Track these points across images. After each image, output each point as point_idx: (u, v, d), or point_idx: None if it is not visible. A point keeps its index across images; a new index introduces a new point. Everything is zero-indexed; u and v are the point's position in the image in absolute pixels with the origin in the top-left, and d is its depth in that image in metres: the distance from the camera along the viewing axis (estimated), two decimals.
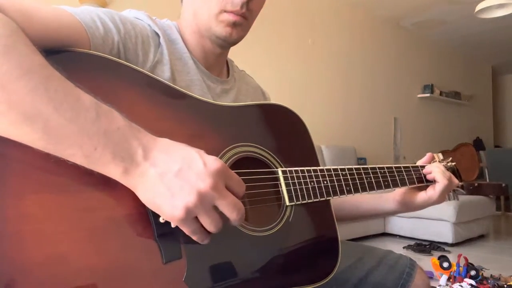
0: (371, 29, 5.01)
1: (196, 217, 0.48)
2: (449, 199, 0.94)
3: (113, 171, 0.46)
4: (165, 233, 0.51)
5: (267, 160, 0.67)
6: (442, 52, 6.24)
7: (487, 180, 5.08)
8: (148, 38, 0.68)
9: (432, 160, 0.94)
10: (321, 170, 0.71)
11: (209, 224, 0.48)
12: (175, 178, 0.46)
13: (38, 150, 0.44)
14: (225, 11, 0.70)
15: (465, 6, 4.60)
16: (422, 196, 0.86)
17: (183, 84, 0.72)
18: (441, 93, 5.98)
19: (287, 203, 0.66)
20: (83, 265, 0.45)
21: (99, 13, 0.61)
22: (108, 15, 0.62)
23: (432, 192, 0.85)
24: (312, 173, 0.70)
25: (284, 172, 0.67)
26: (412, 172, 0.86)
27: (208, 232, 0.50)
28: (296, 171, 0.68)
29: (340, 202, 0.93)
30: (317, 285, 0.64)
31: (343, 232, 3.31)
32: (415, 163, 0.91)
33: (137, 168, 0.46)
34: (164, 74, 0.69)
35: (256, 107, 0.71)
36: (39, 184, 0.45)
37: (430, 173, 0.87)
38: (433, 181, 0.86)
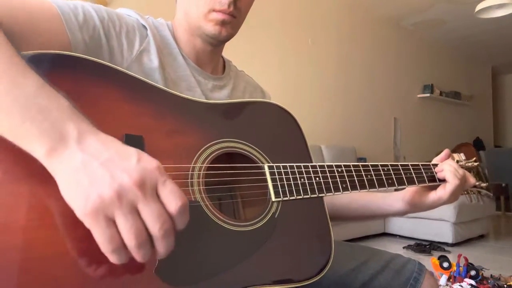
0: (371, 29, 5.00)
1: (114, 222, 0.40)
2: (471, 201, 0.89)
3: (37, 149, 0.41)
4: None
5: (253, 156, 0.65)
6: (442, 52, 6.23)
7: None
8: (134, 29, 0.70)
9: (447, 158, 0.89)
10: (313, 167, 0.68)
11: (127, 230, 0.40)
12: (99, 166, 0.40)
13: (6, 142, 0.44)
14: (213, 10, 0.71)
15: (465, 6, 4.60)
16: (431, 196, 0.81)
17: (173, 77, 0.73)
18: (441, 93, 5.97)
19: (273, 198, 0.63)
20: (50, 252, 0.45)
21: (84, 4, 0.63)
22: (94, 6, 0.65)
23: (442, 192, 0.80)
24: (303, 169, 0.67)
25: (271, 167, 0.65)
26: (423, 171, 0.82)
27: (126, 249, 0.41)
28: (285, 167, 0.66)
29: (347, 202, 0.90)
30: (298, 285, 0.62)
31: (343, 232, 3.31)
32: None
33: (64, 150, 0.41)
34: (152, 63, 0.70)
35: (244, 105, 0.70)
36: (6, 173, 0.45)
37: (441, 171, 0.82)
38: (445, 180, 0.81)
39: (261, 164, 0.65)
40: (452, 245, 3.50)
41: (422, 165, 0.83)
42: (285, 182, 0.65)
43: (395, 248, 3.39)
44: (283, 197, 0.64)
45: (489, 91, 7.60)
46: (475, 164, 0.92)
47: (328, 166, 0.70)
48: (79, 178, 0.40)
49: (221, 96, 0.82)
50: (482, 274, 2.47)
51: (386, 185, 0.76)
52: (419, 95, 5.78)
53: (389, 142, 5.24)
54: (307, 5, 4.20)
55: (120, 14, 0.69)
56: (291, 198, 0.65)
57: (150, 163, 0.43)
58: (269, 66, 3.78)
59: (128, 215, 0.40)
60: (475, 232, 3.80)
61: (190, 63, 0.77)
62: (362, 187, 0.72)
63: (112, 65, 0.58)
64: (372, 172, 0.74)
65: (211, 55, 0.81)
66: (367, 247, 0.92)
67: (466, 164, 0.91)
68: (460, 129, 6.54)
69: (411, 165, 0.81)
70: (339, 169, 0.71)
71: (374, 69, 5.03)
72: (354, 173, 0.72)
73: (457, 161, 0.91)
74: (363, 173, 0.73)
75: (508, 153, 5.66)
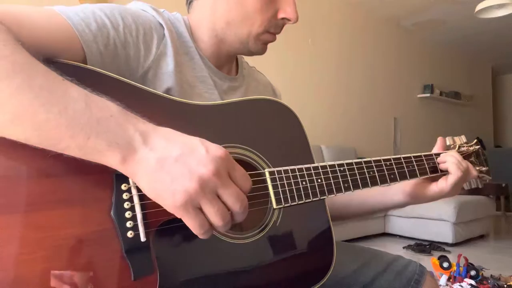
0: (372, 29, 5.00)
1: (200, 209, 0.46)
2: (471, 186, 0.88)
3: (111, 160, 0.45)
4: (134, 248, 0.49)
5: (254, 162, 0.63)
6: (442, 52, 6.23)
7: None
8: (151, 30, 0.66)
9: (444, 145, 0.87)
10: (315, 168, 0.65)
11: (214, 214, 0.46)
12: (175, 163, 0.45)
13: None
14: (267, 32, 0.73)
15: (465, 6, 4.60)
16: (433, 188, 0.80)
17: (189, 79, 0.71)
18: (441, 93, 5.97)
19: (274, 206, 0.61)
20: (46, 286, 0.44)
21: (95, 10, 0.60)
22: (106, 11, 0.61)
23: (443, 184, 0.79)
24: (305, 172, 0.64)
25: (271, 173, 0.62)
26: (425, 162, 0.79)
27: (212, 227, 0.47)
28: (286, 171, 0.63)
29: (347, 200, 0.89)
30: None
31: (343, 232, 3.31)
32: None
33: (135, 154, 0.45)
34: (168, 67, 0.67)
35: (244, 104, 0.68)
36: None
37: (444, 162, 0.80)
38: (447, 171, 0.79)
39: (261, 171, 0.63)
40: (452, 245, 3.51)
41: (424, 155, 0.81)
42: (286, 188, 0.63)
43: (395, 248, 3.39)
44: (285, 203, 0.62)
45: (489, 91, 7.59)
46: (476, 147, 0.90)
47: (330, 166, 0.67)
48: (160, 177, 0.45)
49: (234, 98, 0.80)
50: (482, 274, 2.47)
51: (389, 181, 0.74)
52: (419, 95, 5.78)
53: (389, 142, 5.24)
54: (307, 5, 4.20)
55: (135, 14, 0.65)
56: (293, 204, 0.63)
57: (217, 151, 0.47)
58: (269, 66, 3.77)
59: (212, 201, 0.46)
60: (475, 232, 3.80)
61: (207, 63, 0.75)
62: (365, 185, 0.70)
63: (106, 72, 0.56)
64: (375, 168, 0.72)
65: (231, 57, 0.80)
66: (368, 248, 0.91)
67: (468, 148, 0.89)
68: (460, 129, 6.53)
69: (414, 156, 0.79)
70: (341, 168, 0.68)
71: (374, 69, 5.03)
72: (356, 171, 0.70)
73: (459, 146, 0.89)
74: (365, 170, 0.71)
75: (508, 153, 5.66)
